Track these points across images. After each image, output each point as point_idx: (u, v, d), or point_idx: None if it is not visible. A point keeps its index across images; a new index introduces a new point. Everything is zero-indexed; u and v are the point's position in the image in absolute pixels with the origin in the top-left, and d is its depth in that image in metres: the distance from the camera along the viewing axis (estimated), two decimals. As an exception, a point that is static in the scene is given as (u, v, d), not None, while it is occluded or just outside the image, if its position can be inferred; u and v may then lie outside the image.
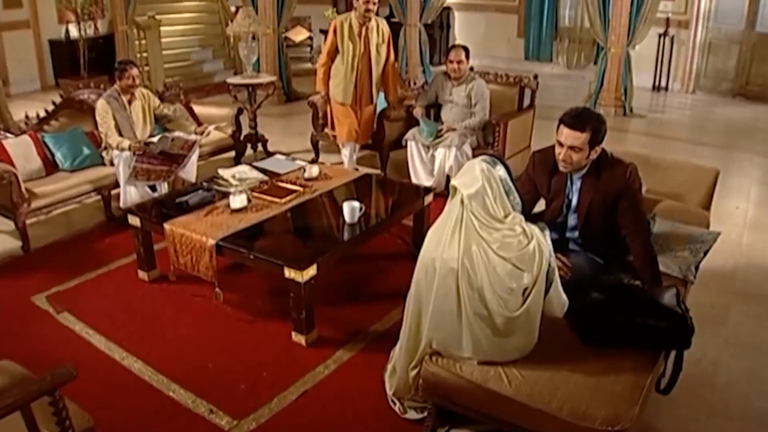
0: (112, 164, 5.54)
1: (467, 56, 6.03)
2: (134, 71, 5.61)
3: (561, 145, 3.28)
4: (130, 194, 5.44)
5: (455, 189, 2.87)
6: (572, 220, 3.51)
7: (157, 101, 6.00)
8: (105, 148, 5.62)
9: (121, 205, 5.43)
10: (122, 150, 5.46)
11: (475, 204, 2.79)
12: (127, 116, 5.62)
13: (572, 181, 3.43)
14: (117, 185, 5.54)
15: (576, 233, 3.52)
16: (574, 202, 3.44)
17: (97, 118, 5.56)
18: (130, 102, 5.66)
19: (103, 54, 10.62)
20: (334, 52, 6.17)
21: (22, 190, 4.91)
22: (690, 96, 10.59)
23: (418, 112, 6.27)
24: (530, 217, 3.54)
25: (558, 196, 3.49)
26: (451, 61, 6.01)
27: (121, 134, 5.52)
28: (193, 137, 5.65)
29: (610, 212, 3.33)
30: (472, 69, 6.16)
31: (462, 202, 2.82)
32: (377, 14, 6.18)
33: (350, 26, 6.02)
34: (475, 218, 2.79)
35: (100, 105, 5.54)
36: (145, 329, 4.04)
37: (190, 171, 5.74)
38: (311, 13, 13.28)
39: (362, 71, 6.14)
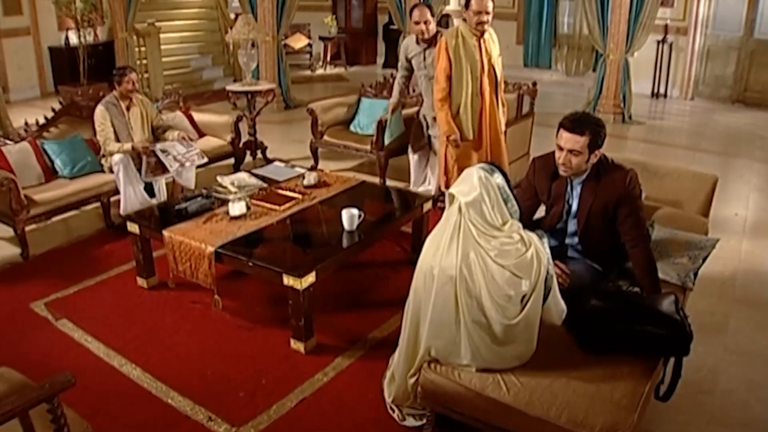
0: (111, 171, 5.54)
1: (432, 14, 5.57)
2: (133, 75, 5.64)
3: (561, 149, 3.30)
4: (130, 201, 5.44)
5: (453, 197, 2.87)
6: (572, 225, 3.51)
7: (155, 111, 6.01)
8: (104, 156, 5.63)
9: (121, 212, 5.43)
10: (125, 152, 5.47)
11: (473, 212, 2.80)
12: (125, 122, 5.63)
13: (572, 187, 3.44)
14: (116, 192, 5.54)
15: (576, 239, 3.52)
16: (575, 207, 3.45)
17: (96, 125, 5.58)
18: (128, 108, 5.67)
19: (103, 61, 10.64)
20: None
21: (21, 197, 4.91)
22: (689, 102, 10.63)
23: (392, 103, 6.09)
24: (531, 223, 3.56)
25: (558, 201, 3.50)
26: (417, 23, 5.47)
27: (118, 140, 5.55)
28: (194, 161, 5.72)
29: (610, 218, 3.34)
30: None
31: (460, 209, 2.82)
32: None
33: (464, 40, 4.96)
34: (473, 226, 2.80)
35: (99, 111, 5.55)
36: (144, 336, 4.04)
37: (189, 178, 5.75)
38: (311, 20, 13.34)
39: (487, 94, 5.06)
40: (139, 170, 5.54)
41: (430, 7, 5.61)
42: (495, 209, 2.83)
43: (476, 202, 2.80)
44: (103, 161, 5.63)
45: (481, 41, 4.97)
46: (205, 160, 5.85)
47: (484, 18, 4.88)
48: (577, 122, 3.27)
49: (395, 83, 6.10)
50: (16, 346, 3.93)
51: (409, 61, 5.78)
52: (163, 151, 5.55)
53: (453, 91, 5.04)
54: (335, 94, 9.06)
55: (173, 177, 5.73)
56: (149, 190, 5.62)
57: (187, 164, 5.66)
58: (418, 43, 5.63)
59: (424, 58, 5.58)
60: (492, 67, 5.04)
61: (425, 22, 5.46)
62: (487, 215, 2.81)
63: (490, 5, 4.87)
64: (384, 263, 4.92)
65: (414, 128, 6.01)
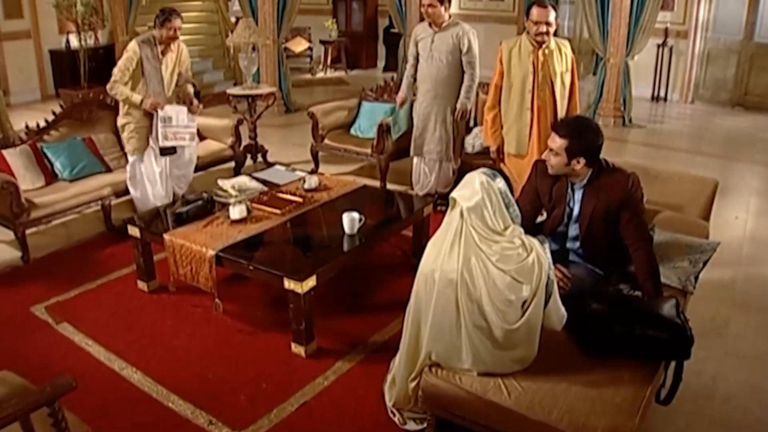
0: (114, 106, 5.50)
1: (441, 0, 5.41)
2: (177, 22, 5.28)
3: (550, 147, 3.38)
4: (142, 201, 5.50)
5: (455, 201, 2.88)
6: (573, 230, 3.51)
7: (188, 59, 5.73)
8: (110, 90, 5.33)
9: (139, 208, 5.49)
10: (133, 104, 5.25)
11: (474, 217, 2.80)
12: (158, 68, 5.34)
13: (573, 191, 3.45)
14: (119, 194, 5.58)
15: (577, 244, 3.52)
16: (576, 211, 3.46)
17: (121, 59, 5.30)
18: (163, 53, 5.38)
19: (104, 64, 10.63)
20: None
21: (21, 201, 4.91)
22: (689, 106, 10.63)
23: (400, 97, 5.97)
24: (534, 227, 3.57)
25: (559, 203, 3.51)
26: (423, 5, 5.49)
27: (146, 86, 5.31)
28: (186, 142, 5.54)
29: (612, 222, 3.34)
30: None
31: (461, 214, 2.83)
32: (555, 34, 4.84)
33: (520, 50, 4.76)
34: (475, 231, 2.80)
35: (131, 47, 5.26)
36: (145, 340, 4.04)
37: (184, 178, 5.75)
38: (311, 24, 13.35)
39: (542, 110, 4.77)
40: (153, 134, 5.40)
41: None
42: (497, 214, 2.83)
43: (478, 207, 2.80)
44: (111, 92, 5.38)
45: (539, 53, 4.71)
46: (195, 143, 5.70)
47: (543, 29, 4.62)
48: (561, 124, 3.41)
49: (404, 76, 5.98)
50: (16, 350, 3.92)
51: (416, 46, 5.71)
52: (165, 120, 5.33)
53: (502, 102, 4.90)
54: (336, 97, 9.06)
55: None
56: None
57: (180, 142, 5.46)
58: (430, 26, 5.57)
59: (432, 41, 5.54)
60: (551, 81, 4.74)
61: (429, 5, 5.41)
62: (489, 220, 2.82)
63: (552, 16, 4.61)
64: (385, 267, 4.92)
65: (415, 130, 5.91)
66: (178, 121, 5.41)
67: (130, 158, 5.51)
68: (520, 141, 4.85)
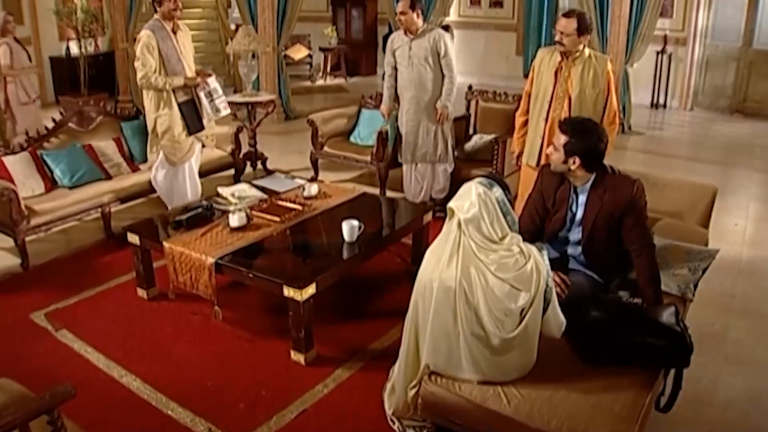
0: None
1: (412, 7, 5.46)
2: None
3: None
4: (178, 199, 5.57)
5: (453, 211, 2.89)
6: (575, 234, 3.51)
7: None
8: (142, 88, 5.31)
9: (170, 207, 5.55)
10: (175, 87, 5.20)
11: (472, 228, 2.82)
12: (174, 46, 5.25)
13: (577, 194, 3.46)
14: (118, 201, 5.61)
15: (578, 249, 3.52)
16: (579, 215, 3.46)
17: (137, 51, 5.16)
18: (174, 32, 5.31)
19: (104, 71, 10.68)
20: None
21: (21, 208, 4.91)
22: (688, 113, 10.65)
23: (383, 111, 6.03)
24: (542, 233, 3.58)
25: (561, 207, 3.51)
26: (396, 14, 5.64)
27: (166, 70, 5.24)
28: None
29: (615, 227, 3.35)
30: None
31: (459, 225, 2.83)
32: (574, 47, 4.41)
33: (550, 59, 4.50)
34: (473, 242, 2.81)
35: (145, 36, 5.14)
36: (144, 347, 4.03)
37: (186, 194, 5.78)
38: (311, 31, 13.38)
39: (555, 123, 4.24)
40: (197, 116, 5.36)
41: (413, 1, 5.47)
42: (494, 224, 2.84)
43: (475, 218, 2.81)
44: (148, 149, 5.52)
45: (564, 64, 4.40)
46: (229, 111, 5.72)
47: (557, 37, 4.35)
48: (567, 121, 3.46)
49: (384, 87, 6.01)
50: (16, 357, 3.92)
51: (394, 55, 5.75)
52: (211, 93, 5.35)
53: (530, 110, 4.68)
54: (335, 104, 9.07)
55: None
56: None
57: (228, 109, 5.52)
58: (405, 34, 5.64)
59: (410, 48, 5.59)
60: (569, 95, 4.39)
61: (401, 13, 5.50)
62: (486, 231, 2.82)
63: (572, 26, 4.28)
64: (384, 274, 4.92)
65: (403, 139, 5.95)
66: (219, 92, 5.48)
67: (171, 166, 5.53)
68: (532, 151, 4.65)
